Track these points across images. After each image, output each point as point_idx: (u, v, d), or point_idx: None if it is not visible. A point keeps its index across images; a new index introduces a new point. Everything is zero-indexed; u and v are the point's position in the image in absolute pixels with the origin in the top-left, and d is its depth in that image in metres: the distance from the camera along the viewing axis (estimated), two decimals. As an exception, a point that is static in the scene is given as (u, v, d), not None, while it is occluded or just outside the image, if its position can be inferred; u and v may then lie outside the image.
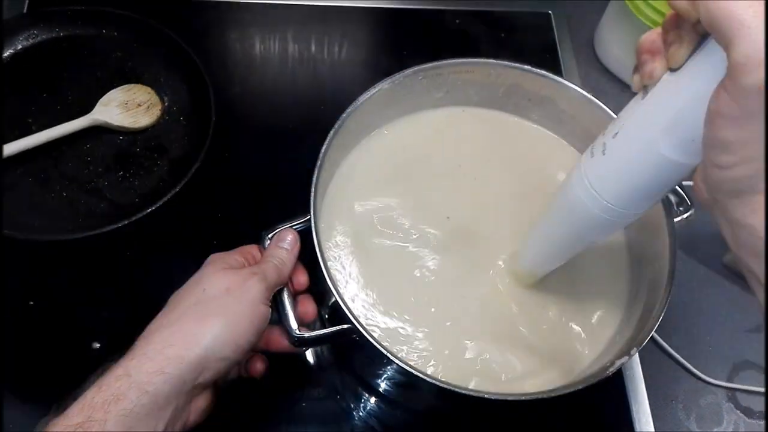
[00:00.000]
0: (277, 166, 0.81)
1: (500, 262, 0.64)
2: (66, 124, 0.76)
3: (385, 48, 0.95)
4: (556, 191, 0.54)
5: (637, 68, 0.44)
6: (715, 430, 0.70)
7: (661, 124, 0.42)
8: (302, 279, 0.58)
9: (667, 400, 0.71)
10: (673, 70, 0.41)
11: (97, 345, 0.67)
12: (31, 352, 0.66)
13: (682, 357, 0.72)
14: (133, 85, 0.81)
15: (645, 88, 0.44)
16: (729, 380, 0.72)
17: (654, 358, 0.73)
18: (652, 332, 0.54)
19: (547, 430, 0.68)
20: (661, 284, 0.56)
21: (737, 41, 0.33)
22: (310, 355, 0.69)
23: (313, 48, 0.92)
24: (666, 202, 0.59)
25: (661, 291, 0.56)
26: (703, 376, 0.72)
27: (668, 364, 0.73)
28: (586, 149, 0.50)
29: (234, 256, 0.56)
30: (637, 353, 0.54)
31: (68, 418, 0.42)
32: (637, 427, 0.67)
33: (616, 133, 0.46)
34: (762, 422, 0.70)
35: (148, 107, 0.80)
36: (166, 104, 0.82)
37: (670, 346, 0.73)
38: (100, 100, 0.79)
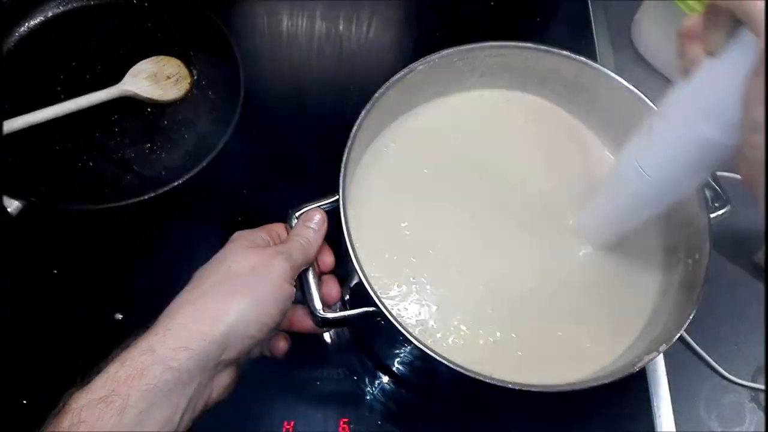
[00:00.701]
0: (305, 145, 0.80)
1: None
2: (94, 93, 0.76)
3: (416, 29, 0.94)
4: (607, 172, 0.58)
5: (679, 53, 0.47)
6: (737, 429, 0.69)
7: (702, 106, 0.45)
8: (328, 260, 0.58)
9: (689, 397, 0.70)
10: (711, 54, 0.44)
11: (120, 316, 0.67)
12: (53, 321, 0.67)
13: (707, 354, 0.71)
14: (162, 57, 0.81)
15: (687, 72, 0.46)
16: (753, 380, 0.71)
17: (678, 354, 0.72)
18: (683, 329, 0.53)
19: (565, 422, 0.67)
20: (694, 281, 0.55)
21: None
22: (327, 336, 0.69)
23: (341, 26, 0.90)
24: (702, 198, 0.58)
25: (694, 288, 0.55)
26: (727, 375, 0.71)
27: (692, 361, 0.72)
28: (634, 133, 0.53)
29: (259, 233, 0.56)
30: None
31: (92, 392, 0.42)
32: (657, 423, 0.67)
33: (662, 115, 0.49)
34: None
35: (177, 80, 0.80)
36: (195, 78, 0.81)
37: (695, 342, 0.72)
38: (130, 70, 0.78)
